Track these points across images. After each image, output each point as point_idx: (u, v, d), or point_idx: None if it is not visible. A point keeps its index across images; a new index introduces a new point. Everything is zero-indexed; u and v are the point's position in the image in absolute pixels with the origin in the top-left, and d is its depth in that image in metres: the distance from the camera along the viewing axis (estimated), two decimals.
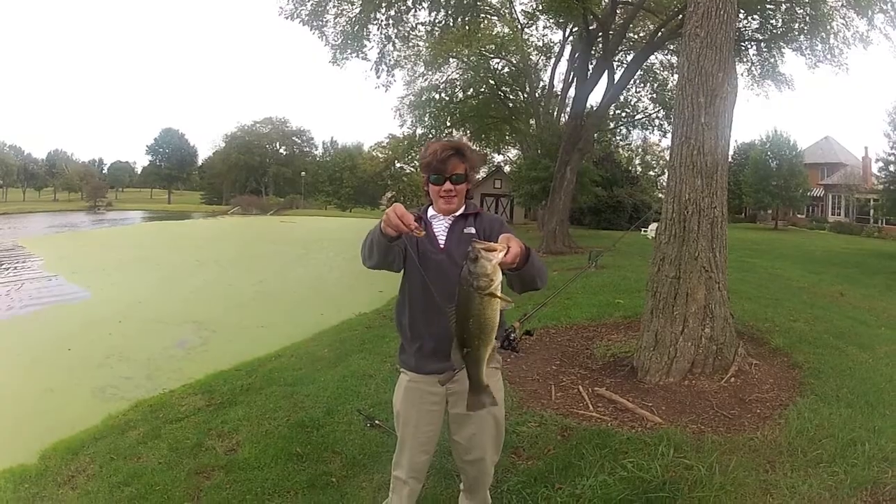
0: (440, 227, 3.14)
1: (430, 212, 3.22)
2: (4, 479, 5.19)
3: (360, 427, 5.30)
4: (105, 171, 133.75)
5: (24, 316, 14.14)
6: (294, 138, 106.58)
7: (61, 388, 8.49)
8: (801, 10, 20.68)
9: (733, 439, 4.91)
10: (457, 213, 3.16)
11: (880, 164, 34.82)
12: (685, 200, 6.70)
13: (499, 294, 2.37)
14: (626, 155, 55.49)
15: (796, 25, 21.17)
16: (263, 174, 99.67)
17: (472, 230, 3.07)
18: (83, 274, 20.44)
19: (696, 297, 6.50)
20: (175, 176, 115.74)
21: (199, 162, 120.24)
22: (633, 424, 5.33)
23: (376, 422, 4.79)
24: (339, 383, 6.94)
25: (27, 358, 10.19)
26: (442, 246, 3.08)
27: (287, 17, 21.03)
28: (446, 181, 3.06)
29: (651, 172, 63.95)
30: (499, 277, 2.35)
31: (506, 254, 2.36)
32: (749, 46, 23.38)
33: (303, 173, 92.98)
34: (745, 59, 23.93)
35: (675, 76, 22.97)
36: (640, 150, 56.98)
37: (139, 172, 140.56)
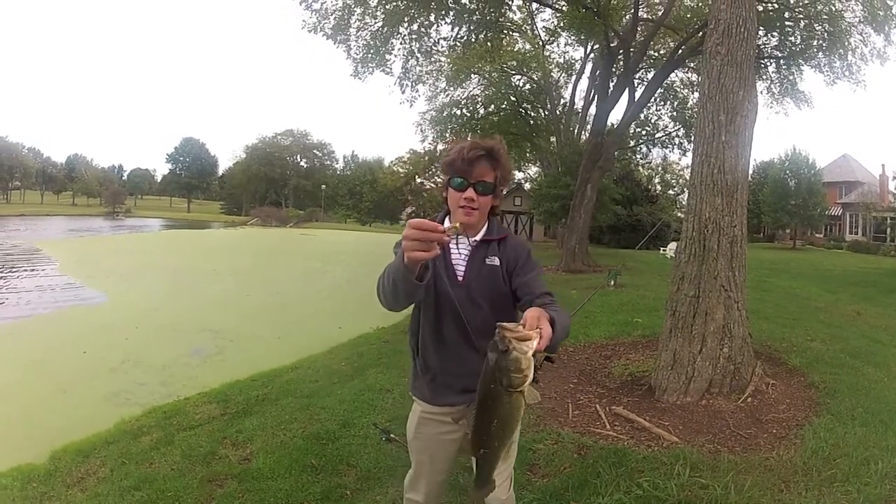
0: (459, 251, 2.73)
1: (447, 225, 2.65)
2: (12, 478, 5.17)
3: (377, 441, 5.30)
4: (125, 177, 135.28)
5: (41, 316, 14.22)
6: (315, 151, 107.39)
7: (75, 390, 8.51)
8: (820, 27, 20.70)
9: (749, 459, 4.88)
10: (479, 237, 2.73)
11: None
12: (705, 219, 6.68)
13: (527, 390, 1.92)
14: (647, 173, 55.26)
15: (815, 42, 21.17)
16: (283, 186, 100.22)
17: (496, 261, 2.70)
18: (100, 278, 20.53)
19: (714, 316, 6.48)
20: (195, 185, 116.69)
21: (220, 172, 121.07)
22: (649, 443, 5.32)
23: (392, 436, 4.74)
24: (356, 397, 6.92)
25: (42, 358, 10.23)
26: (461, 278, 2.69)
27: (310, 31, 21.10)
28: (469, 187, 2.59)
29: (671, 191, 63.74)
30: (532, 371, 1.88)
31: (539, 339, 1.89)
32: (768, 64, 23.36)
33: (323, 186, 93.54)
34: (764, 77, 23.90)
35: (696, 94, 22.98)
36: (660, 168, 56.75)
37: (159, 180, 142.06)
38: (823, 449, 4.98)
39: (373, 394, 7.05)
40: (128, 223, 74.55)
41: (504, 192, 2.85)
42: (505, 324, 1.86)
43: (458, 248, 2.74)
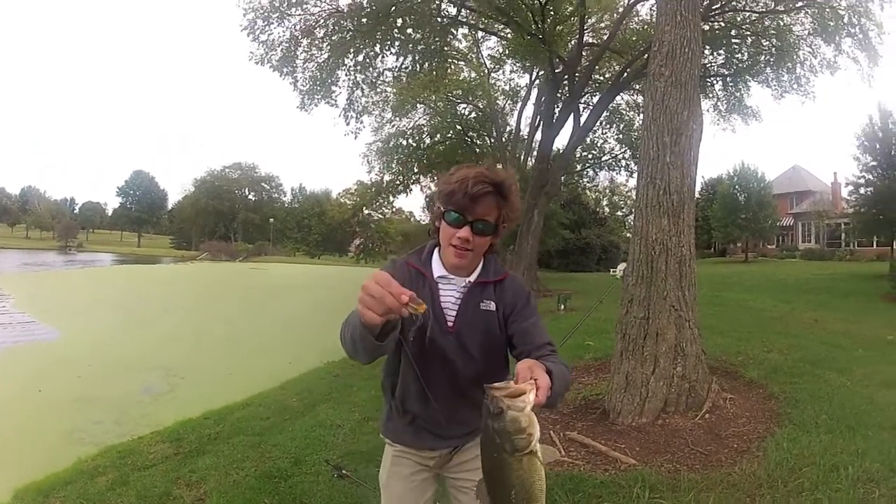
0: (449, 294, 2.41)
1: (435, 265, 2.45)
2: None
3: (328, 478, 5.20)
4: (76, 210, 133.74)
5: None
6: (263, 184, 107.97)
7: (33, 429, 8.40)
8: (767, 42, 21.09)
9: (710, 476, 4.87)
10: (474, 278, 2.41)
11: (850, 187, 35.17)
12: (652, 240, 6.70)
13: (539, 448, 1.62)
14: (594, 196, 55.65)
15: (762, 58, 21.56)
16: (232, 220, 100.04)
17: (492, 305, 2.40)
18: (53, 314, 20.24)
19: (666, 336, 6.48)
20: (145, 219, 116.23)
21: (169, 206, 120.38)
22: (606, 467, 5.26)
23: (344, 472, 4.66)
24: (307, 433, 6.84)
25: (0, 396, 10.09)
26: (451, 325, 2.37)
27: (257, 63, 21.05)
28: (467, 226, 2.26)
29: (619, 213, 64.33)
30: (537, 427, 1.59)
31: (536, 390, 1.64)
32: (714, 82, 23.71)
33: (271, 220, 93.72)
34: (710, 95, 24.31)
35: (641, 116, 23.32)
36: (607, 190, 57.25)
37: (110, 214, 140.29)
38: (788, 460, 5.00)
39: (324, 430, 6.98)
40: (80, 258, 74.50)
41: (507, 231, 2.52)
42: (493, 385, 1.62)
43: (450, 290, 2.42)
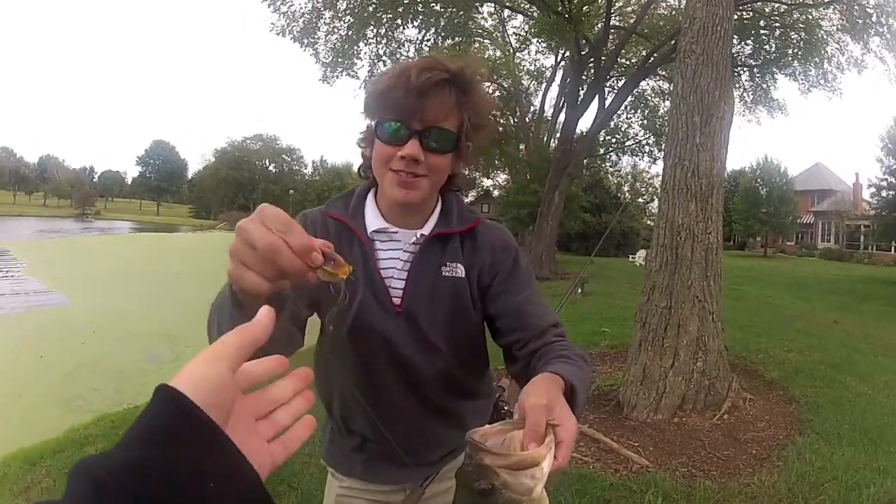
0: (391, 256, 1.61)
1: (369, 214, 1.65)
2: None
3: (319, 458, 4.92)
4: (96, 179, 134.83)
5: (2, 318, 13.88)
6: (284, 156, 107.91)
7: (30, 395, 8.26)
8: (796, 35, 20.68)
9: (728, 486, 4.55)
10: (427, 229, 1.62)
11: (872, 189, 34.91)
12: (678, 225, 6.33)
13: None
14: (616, 181, 55.35)
15: (790, 51, 21.14)
16: (252, 190, 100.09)
17: (459, 269, 1.62)
18: (65, 281, 20.10)
19: (688, 328, 6.13)
20: (164, 188, 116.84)
21: (189, 175, 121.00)
22: (617, 467, 4.94)
23: None
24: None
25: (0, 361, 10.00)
26: (398, 302, 1.59)
27: (278, 34, 20.85)
28: (412, 138, 1.44)
29: (640, 199, 64.03)
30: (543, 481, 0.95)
31: (557, 448, 0.97)
32: (742, 72, 23.27)
33: (291, 191, 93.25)
34: (737, 85, 23.79)
35: (667, 102, 22.91)
36: (629, 176, 56.87)
37: (129, 183, 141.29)
38: (810, 473, 4.71)
39: (319, 406, 6.67)
40: (97, 225, 74.64)
41: (479, 145, 1.63)
42: (478, 437, 0.95)
43: (392, 250, 1.62)
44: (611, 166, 42.79)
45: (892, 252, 43.22)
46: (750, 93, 24.37)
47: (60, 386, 8.75)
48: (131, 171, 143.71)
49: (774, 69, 22.41)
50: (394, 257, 1.61)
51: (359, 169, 1.73)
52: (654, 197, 45.78)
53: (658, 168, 36.26)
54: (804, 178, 57.62)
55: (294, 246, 0.85)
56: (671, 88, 8.42)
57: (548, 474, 0.93)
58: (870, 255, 45.78)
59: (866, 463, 4.92)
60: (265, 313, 0.75)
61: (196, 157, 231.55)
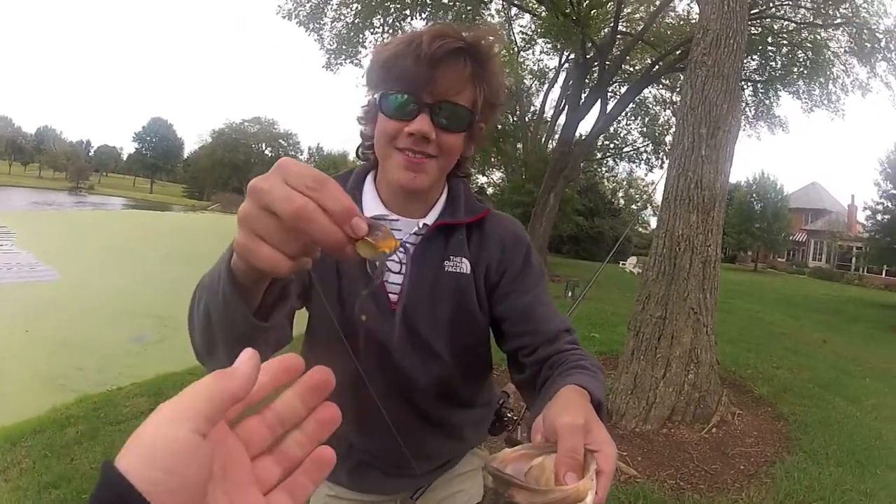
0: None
1: (368, 198, 1.50)
2: None
3: None
4: (92, 153, 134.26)
5: None
6: (281, 141, 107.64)
7: (13, 372, 8.11)
8: (803, 54, 20.63)
9: (716, 500, 4.56)
10: (431, 218, 1.48)
11: (867, 212, 35.06)
12: (678, 236, 6.32)
13: None
14: (611, 186, 55.41)
15: (796, 69, 21.09)
16: (247, 174, 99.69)
17: (464, 265, 1.47)
18: (55, 255, 19.86)
19: (681, 339, 6.11)
20: (159, 166, 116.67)
21: (185, 155, 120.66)
22: None
23: None
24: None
25: None
26: (395, 299, 1.43)
27: (285, 17, 20.77)
28: (422, 113, 1.30)
29: (633, 206, 64.19)
30: None
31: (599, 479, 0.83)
32: (745, 87, 23.27)
33: None
34: (741, 99, 23.74)
35: (667, 112, 22.90)
36: (625, 182, 56.92)
37: (125, 159, 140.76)
38: (798, 492, 4.71)
39: None
40: (90, 200, 74.62)
41: (492, 124, 1.57)
42: (496, 459, 0.86)
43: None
44: (607, 171, 42.84)
45: (884, 276, 43.47)
46: (752, 108, 24.33)
47: (45, 363, 8.64)
48: (127, 147, 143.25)
49: (779, 86, 22.35)
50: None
51: (357, 149, 1.57)
52: (648, 205, 45.79)
53: (654, 176, 36.36)
54: (799, 196, 57.93)
55: (332, 209, 0.67)
56: (674, 98, 8.40)
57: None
58: (860, 277, 46.07)
59: (853, 485, 4.92)
60: (247, 359, 0.54)
61: (193, 137, 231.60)
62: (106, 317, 11.79)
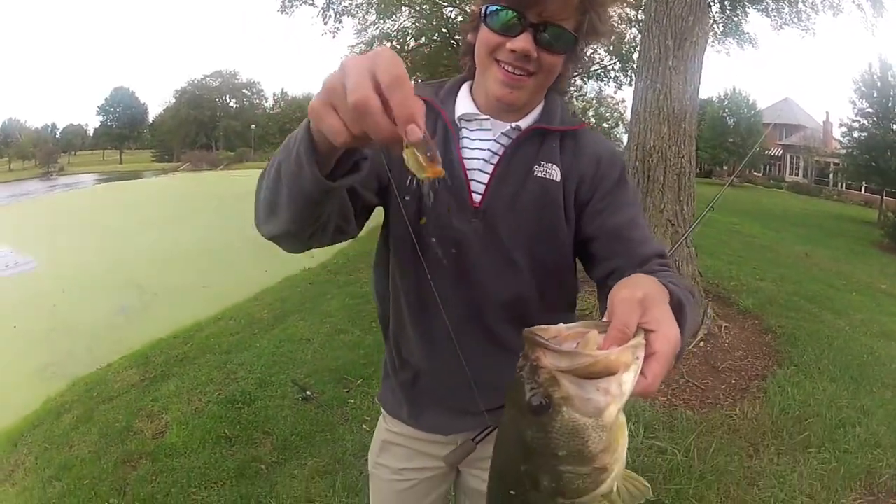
0: (477, 145, 1.41)
1: (462, 100, 1.46)
2: None
3: (294, 401, 4.99)
4: (58, 135, 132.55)
5: None
6: (244, 91, 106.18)
7: (7, 370, 7.98)
8: None
9: (709, 416, 4.53)
10: (526, 122, 1.41)
11: (843, 129, 35.29)
12: (649, 148, 6.24)
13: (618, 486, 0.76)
14: (581, 106, 55.50)
15: None
16: (214, 128, 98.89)
17: (555, 172, 1.39)
18: (30, 243, 19.58)
19: None
20: (126, 135, 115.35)
21: (150, 119, 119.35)
22: None
23: (309, 394, 4.59)
24: (275, 349, 6.54)
25: None
26: (478, 199, 1.37)
27: None
28: (526, 32, 1.25)
29: (605, 124, 64.48)
30: (624, 447, 0.73)
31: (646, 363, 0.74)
32: (712, 3, 23.04)
33: (252, 126, 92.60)
34: (707, 14, 23.51)
35: (633, 29, 22.69)
36: (594, 101, 57.02)
37: (91, 134, 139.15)
38: (792, 407, 4.68)
39: (292, 345, 6.69)
40: (62, 181, 74.14)
41: (592, 46, 1.57)
42: (539, 332, 0.73)
43: (480, 140, 1.41)
44: (576, 91, 42.81)
45: (863, 192, 43.70)
46: (720, 24, 24.07)
47: (34, 355, 8.51)
48: (92, 122, 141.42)
49: (746, 3, 22.04)
50: (482, 147, 1.40)
51: (458, 63, 1.54)
52: (619, 122, 45.87)
53: (623, 94, 36.39)
54: (773, 112, 57.70)
55: (395, 106, 0.72)
56: (639, 15, 8.25)
57: (629, 393, 0.69)
58: (839, 193, 46.60)
59: (849, 401, 4.91)
60: None
61: (156, 100, 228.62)
62: (88, 295, 11.70)
